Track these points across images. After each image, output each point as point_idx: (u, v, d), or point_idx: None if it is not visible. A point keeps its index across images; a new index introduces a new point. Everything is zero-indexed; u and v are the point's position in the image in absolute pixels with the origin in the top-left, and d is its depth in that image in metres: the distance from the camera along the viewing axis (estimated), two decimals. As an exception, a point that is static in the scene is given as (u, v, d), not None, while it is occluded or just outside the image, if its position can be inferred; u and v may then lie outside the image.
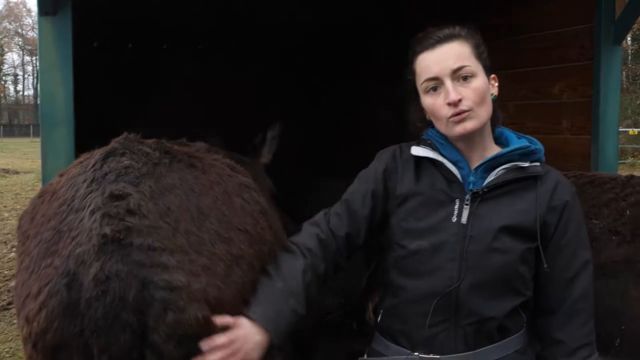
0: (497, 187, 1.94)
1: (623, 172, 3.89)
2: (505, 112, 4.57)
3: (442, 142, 2.01)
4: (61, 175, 1.80)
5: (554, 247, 1.94)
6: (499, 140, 2.07)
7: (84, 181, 1.65)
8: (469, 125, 1.90)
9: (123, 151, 1.72)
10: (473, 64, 1.93)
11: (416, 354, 1.94)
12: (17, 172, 20.22)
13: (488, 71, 1.98)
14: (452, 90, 1.89)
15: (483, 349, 1.91)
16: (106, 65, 5.73)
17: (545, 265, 1.90)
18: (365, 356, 2.09)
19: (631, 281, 2.53)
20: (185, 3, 5.48)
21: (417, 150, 2.02)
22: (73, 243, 1.54)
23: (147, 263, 1.51)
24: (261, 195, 1.96)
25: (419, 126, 2.08)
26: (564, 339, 1.93)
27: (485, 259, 1.88)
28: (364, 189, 2.07)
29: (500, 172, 1.95)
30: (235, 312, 1.60)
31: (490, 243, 1.89)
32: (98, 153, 1.74)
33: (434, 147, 2.01)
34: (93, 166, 1.68)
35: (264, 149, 3.67)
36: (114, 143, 1.77)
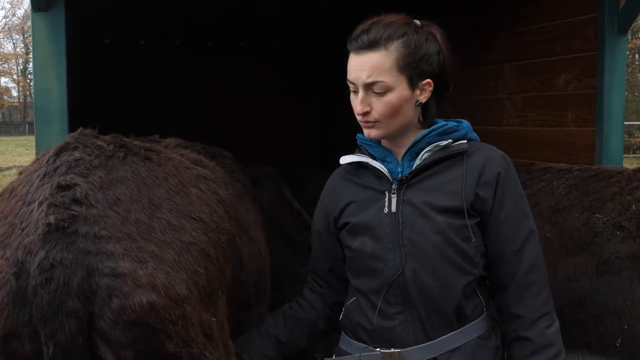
0: (423, 170, 1.96)
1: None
2: (513, 104, 4.58)
3: (370, 143, 2.06)
4: (20, 174, 1.84)
5: (495, 221, 1.92)
6: None
7: (38, 176, 1.69)
8: (372, 133, 1.97)
9: (76, 145, 1.75)
10: (390, 78, 1.89)
11: (378, 349, 1.93)
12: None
13: (418, 78, 1.93)
14: (359, 102, 1.94)
15: (443, 337, 1.89)
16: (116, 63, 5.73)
17: (473, 240, 1.89)
18: (334, 356, 2.09)
19: (636, 279, 2.46)
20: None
21: (344, 159, 2.09)
22: (22, 234, 1.57)
23: (92, 251, 1.53)
24: (222, 186, 1.99)
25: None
26: (522, 312, 1.91)
27: (421, 242, 1.89)
28: (319, 240, 2.19)
29: (425, 155, 1.96)
30: (184, 297, 1.60)
31: (422, 225, 1.90)
32: (53, 149, 1.77)
33: (364, 151, 2.06)
34: (47, 161, 1.71)
35: None
36: (68, 138, 1.80)
